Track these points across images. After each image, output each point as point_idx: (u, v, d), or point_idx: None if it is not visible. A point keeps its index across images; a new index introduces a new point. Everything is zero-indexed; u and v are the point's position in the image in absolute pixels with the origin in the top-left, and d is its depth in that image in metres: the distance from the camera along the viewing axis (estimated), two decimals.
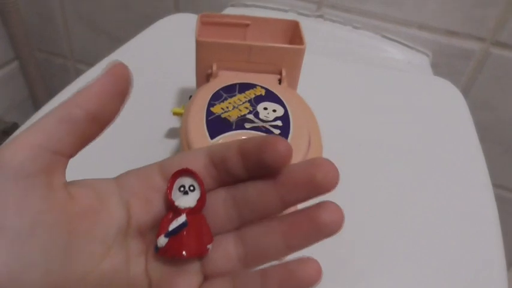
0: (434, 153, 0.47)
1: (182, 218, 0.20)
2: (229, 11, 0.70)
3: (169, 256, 0.20)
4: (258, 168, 0.19)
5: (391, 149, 0.47)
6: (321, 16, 0.68)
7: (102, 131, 0.19)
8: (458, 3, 0.61)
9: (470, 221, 0.40)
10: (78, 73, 0.88)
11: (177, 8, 0.78)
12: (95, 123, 0.19)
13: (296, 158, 0.30)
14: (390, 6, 0.64)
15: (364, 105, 0.53)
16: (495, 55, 0.63)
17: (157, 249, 0.20)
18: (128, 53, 0.57)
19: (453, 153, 0.47)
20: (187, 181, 0.21)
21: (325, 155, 0.32)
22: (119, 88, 0.19)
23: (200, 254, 0.20)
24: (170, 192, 0.21)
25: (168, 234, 0.20)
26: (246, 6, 0.70)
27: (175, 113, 0.42)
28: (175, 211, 0.20)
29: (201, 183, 0.21)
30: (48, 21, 0.92)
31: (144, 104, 0.49)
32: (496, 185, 0.44)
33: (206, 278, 0.21)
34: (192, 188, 0.20)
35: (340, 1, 0.66)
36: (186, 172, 0.21)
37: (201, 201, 0.20)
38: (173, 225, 0.20)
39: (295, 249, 0.19)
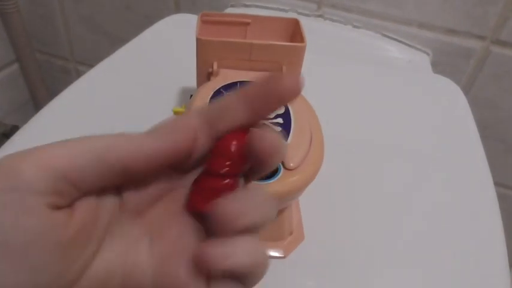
0: (435, 151, 0.47)
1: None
2: (229, 11, 0.70)
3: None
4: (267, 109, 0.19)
5: (393, 147, 0.47)
6: (321, 16, 0.68)
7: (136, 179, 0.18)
8: (459, 2, 0.61)
9: (472, 220, 0.40)
10: (79, 74, 0.88)
11: (178, 9, 0.79)
12: (127, 177, 0.18)
13: (298, 155, 0.29)
14: (390, 5, 0.64)
15: (365, 103, 0.53)
16: (495, 53, 0.63)
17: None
18: (128, 53, 0.57)
19: (455, 151, 0.47)
20: None
21: (326, 152, 0.32)
22: (177, 154, 0.18)
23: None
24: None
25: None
26: (246, 6, 0.70)
27: (176, 113, 0.42)
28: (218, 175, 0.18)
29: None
30: (49, 23, 0.92)
31: (145, 104, 0.49)
32: (497, 184, 0.44)
33: None
34: None
35: (340, 0, 0.66)
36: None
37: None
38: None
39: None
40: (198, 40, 0.36)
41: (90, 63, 0.94)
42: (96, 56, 0.90)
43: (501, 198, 0.42)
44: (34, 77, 0.99)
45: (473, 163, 0.46)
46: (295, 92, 0.18)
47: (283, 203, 0.31)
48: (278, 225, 0.34)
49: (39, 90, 1.02)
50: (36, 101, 1.03)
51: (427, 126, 0.50)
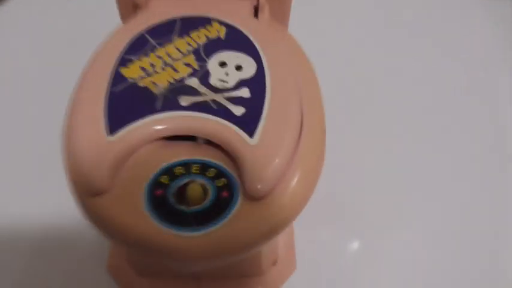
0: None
1: None
2: None
3: None
4: None
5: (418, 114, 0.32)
6: None
7: None
8: None
9: None
10: None
11: None
12: None
13: (272, 165, 0.15)
14: None
15: (386, 49, 0.36)
16: None
17: None
18: None
19: None
20: None
21: (328, 138, 0.18)
22: None
23: None
24: None
25: None
26: None
27: None
28: None
29: None
30: None
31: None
32: None
33: None
34: None
35: None
36: None
37: None
38: None
39: None
40: None
41: None
42: None
43: None
44: None
45: None
46: None
47: (242, 255, 0.17)
48: (253, 255, 0.22)
49: None
50: None
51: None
